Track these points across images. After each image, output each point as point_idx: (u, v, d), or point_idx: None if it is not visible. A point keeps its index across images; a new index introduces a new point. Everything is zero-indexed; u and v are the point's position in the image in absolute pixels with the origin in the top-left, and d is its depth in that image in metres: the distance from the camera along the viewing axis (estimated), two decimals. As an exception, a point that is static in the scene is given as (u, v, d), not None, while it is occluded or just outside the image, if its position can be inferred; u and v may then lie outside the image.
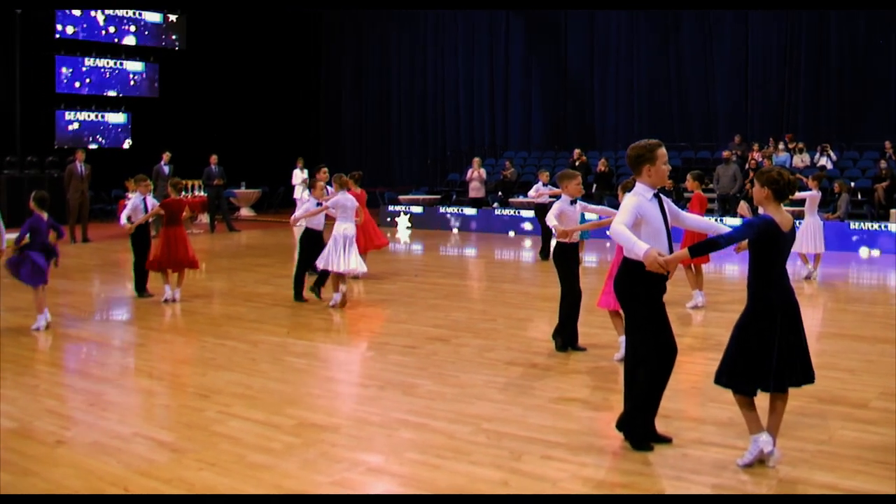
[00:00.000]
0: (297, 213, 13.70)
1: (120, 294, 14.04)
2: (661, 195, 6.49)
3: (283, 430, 7.02)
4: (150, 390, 8.58)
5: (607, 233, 6.33)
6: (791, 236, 5.96)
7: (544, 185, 17.97)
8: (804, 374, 5.98)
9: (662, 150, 6.45)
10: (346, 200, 12.71)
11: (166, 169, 24.29)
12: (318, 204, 13.16)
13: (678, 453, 6.29)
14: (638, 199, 6.32)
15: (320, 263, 12.66)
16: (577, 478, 5.89)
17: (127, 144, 31.65)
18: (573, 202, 9.59)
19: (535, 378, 8.69)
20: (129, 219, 13.50)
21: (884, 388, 8.16)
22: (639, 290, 6.32)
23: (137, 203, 13.52)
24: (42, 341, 10.72)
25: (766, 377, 5.82)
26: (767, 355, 5.82)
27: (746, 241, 6.05)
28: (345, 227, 12.61)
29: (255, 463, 6.26)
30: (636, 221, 6.24)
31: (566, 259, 9.66)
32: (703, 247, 6.01)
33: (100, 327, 11.94)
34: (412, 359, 9.64)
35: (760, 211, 6.08)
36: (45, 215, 11.33)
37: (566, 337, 9.74)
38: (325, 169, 15.46)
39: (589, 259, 17.97)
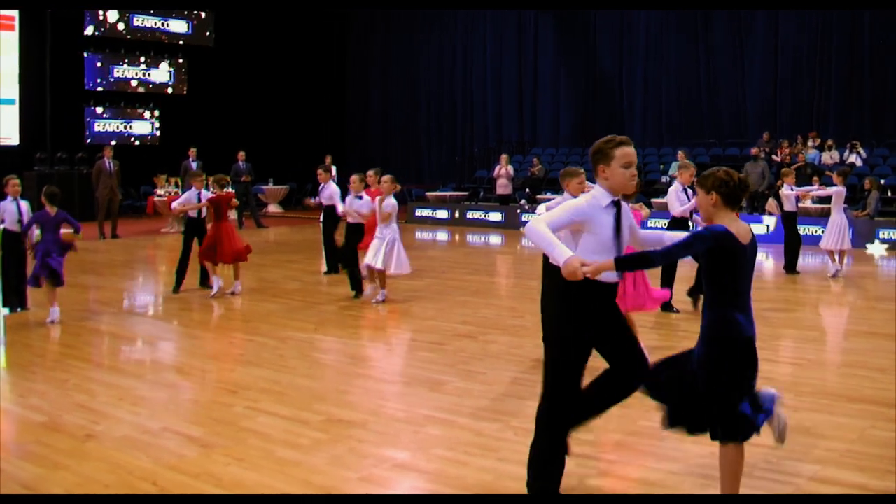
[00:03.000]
0: (345, 208, 13.77)
1: (149, 290, 14.10)
2: (623, 204, 5.34)
3: (310, 426, 7.04)
4: (178, 385, 8.61)
5: (525, 232, 5.21)
6: (753, 250, 5.01)
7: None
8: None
9: (624, 150, 5.24)
10: (394, 202, 12.75)
11: (194, 165, 24.50)
12: (360, 197, 13.42)
13: (707, 451, 6.24)
14: (585, 203, 5.23)
15: (376, 263, 12.65)
16: (605, 475, 5.88)
17: (155, 141, 31.79)
18: None
19: (562, 375, 8.66)
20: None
21: (914, 387, 8.10)
22: (570, 311, 5.21)
23: (192, 197, 13.86)
24: (72, 336, 10.79)
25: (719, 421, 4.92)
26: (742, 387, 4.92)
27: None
28: (393, 228, 12.70)
29: (283, 458, 6.28)
30: (572, 227, 5.18)
31: None
32: (632, 261, 5.02)
33: (129, 323, 12.01)
34: (440, 355, 9.65)
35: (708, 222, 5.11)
36: (53, 210, 11.45)
37: None
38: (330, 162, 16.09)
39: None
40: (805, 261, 17.10)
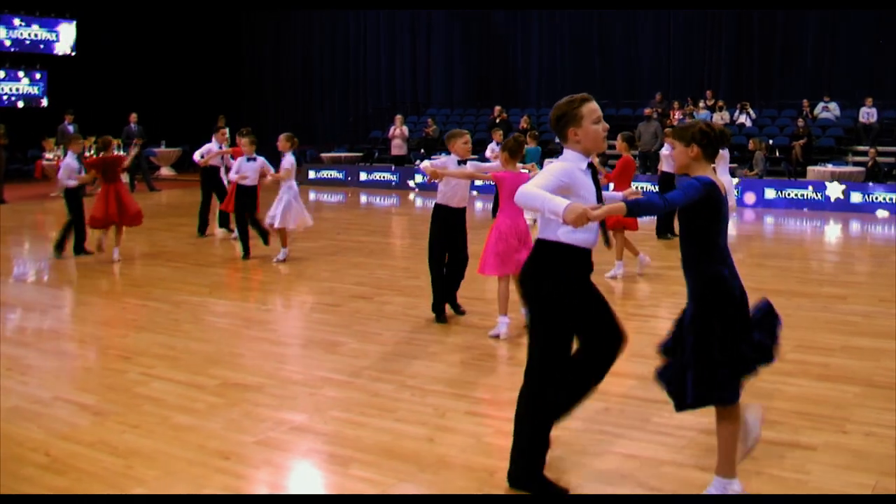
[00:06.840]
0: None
1: (38, 256, 13.78)
2: (595, 168, 5.05)
3: (206, 391, 6.99)
4: (70, 353, 8.47)
5: (515, 200, 4.76)
6: (727, 202, 4.82)
7: (497, 144, 17.22)
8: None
9: (590, 106, 4.93)
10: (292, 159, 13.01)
11: (70, 129, 23.92)
12: (253, 160, 13.32)
13: (600, 406, 6.34)
14: (568, 164, 4.90)
15: (274, 221, 12.83)
16: (502, 433, 5.93)
17: (44, 103, 30.97)
18: (461, 162, 9.14)
19: (458, 334, 8.74)
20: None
21: (799, 340, 8.35)
22: (557, 278, 4.94)
23: (72, 164, 13.35)
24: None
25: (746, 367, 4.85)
26: (737, 344, 4.76)
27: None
28: (291, 185, 12.92)
29: (178, 424, 6.22)
30: (560, 190, 4.70)
31: (438, 219, 9.33)
32: (642, 206, 4.69)
33: (17, 290, 11.73)
34: (335, 317, 9.64)
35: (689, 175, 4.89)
36: None
37: (441, 304, 9.46)
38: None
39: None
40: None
